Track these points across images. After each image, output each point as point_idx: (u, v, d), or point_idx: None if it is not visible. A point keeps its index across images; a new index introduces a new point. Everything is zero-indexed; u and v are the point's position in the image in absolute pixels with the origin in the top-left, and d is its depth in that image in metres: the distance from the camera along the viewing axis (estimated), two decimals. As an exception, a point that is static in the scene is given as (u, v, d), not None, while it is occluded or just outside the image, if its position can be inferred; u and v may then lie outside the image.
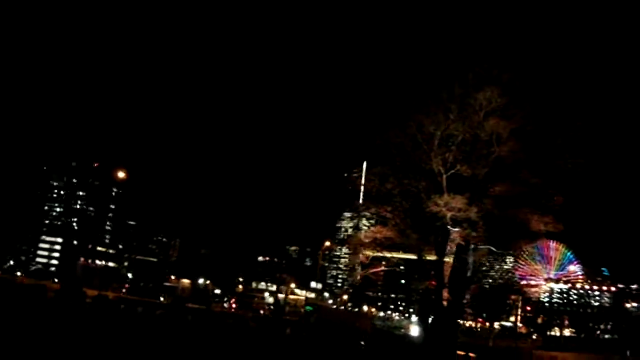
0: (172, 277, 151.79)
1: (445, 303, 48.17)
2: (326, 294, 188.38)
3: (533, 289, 53.15)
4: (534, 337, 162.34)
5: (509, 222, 49.76)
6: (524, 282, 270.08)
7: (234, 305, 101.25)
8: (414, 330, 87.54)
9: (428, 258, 50.19)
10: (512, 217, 48.56)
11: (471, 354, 55.66)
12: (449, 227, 46.41)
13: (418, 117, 46.74)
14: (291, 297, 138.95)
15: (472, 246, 48.35)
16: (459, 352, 57.16)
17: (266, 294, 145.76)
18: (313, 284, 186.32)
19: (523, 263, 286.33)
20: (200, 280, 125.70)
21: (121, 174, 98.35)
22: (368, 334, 69.83)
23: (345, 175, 53.98)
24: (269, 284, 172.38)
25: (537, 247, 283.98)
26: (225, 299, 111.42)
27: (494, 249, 49.75)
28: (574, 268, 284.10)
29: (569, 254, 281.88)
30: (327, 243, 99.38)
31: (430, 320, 51.86)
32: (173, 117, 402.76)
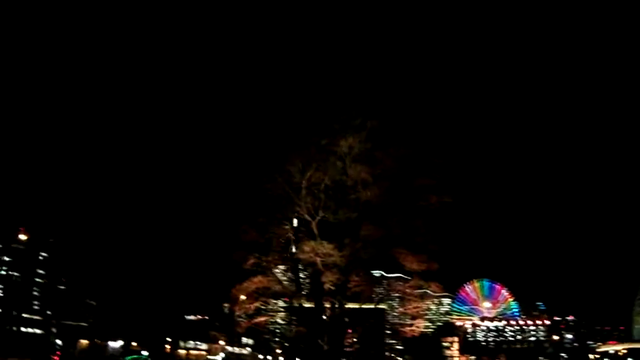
0: (97, 341, 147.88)
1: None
2: (247, 350, 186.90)
3: (408, 329, 53.86)
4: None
5: (383, 264, 51.26)
6: (459, 322, 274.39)
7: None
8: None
9: (307, 305, 50.88)
10: (387, 259, 50.07)
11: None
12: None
13: (286, 168, 48.00)
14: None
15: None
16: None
17: (182, 352, 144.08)
18: (244, 340, 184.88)
19: (461, 304, 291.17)
20: (117, 344, 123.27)
21: (23, 237, 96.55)
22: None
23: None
24: (197, 343, 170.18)
25: (485, 289, 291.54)
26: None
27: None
28: (504, 295, 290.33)
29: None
30: (242, 297, 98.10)
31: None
32: (93, 177, 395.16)
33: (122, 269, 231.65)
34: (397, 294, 51.27)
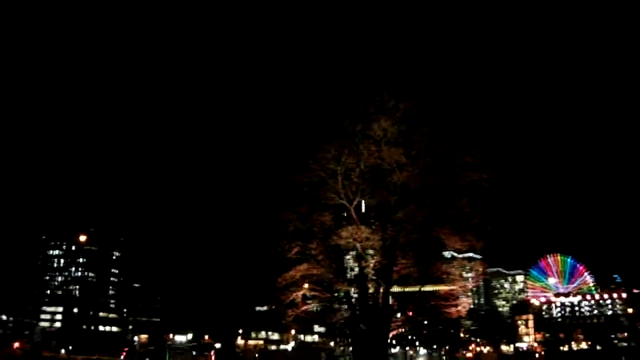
0: (170, 335, 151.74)
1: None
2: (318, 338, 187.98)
3: (453, 309, 53.06)
4: (536, 355, 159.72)
5: (426, 244, 50.49)
6: (534, 300, 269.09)
7: (213, 357, 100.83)
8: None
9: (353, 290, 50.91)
10: (431, 239, 49.34)
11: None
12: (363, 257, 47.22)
13: (320, 155, 47.89)
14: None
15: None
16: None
17: (240, 342, 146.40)
18: (316, 328, 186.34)
19: (539, 274, 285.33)
20: (183, 337, 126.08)
21: (82, 238, 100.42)
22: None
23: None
24: (269, 333, 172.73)
25: (540, 265, 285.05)
26: (206, 352, 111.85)
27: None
28: (584, 277, 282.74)
29: (569, 261, 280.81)
30: (306, 286, 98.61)
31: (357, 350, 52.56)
32: (166, 173, 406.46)
33: (192, 263, 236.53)
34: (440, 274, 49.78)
